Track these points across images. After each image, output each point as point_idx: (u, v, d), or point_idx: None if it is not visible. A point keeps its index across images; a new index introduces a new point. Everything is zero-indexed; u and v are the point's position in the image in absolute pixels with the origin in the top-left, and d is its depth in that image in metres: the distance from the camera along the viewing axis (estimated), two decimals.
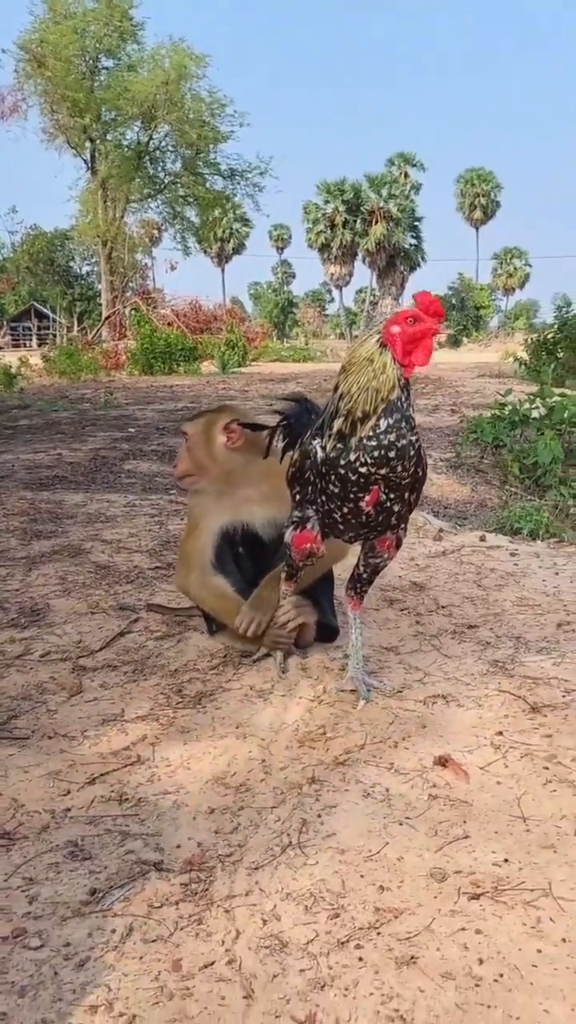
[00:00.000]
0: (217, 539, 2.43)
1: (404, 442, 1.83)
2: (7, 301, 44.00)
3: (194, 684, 2.30)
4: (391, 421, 1.82)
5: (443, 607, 2.84)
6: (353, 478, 1.85)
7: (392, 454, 1.82)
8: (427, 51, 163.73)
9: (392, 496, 1.89)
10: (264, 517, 2.41)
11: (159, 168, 27.75)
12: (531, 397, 6.56)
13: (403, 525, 2.02)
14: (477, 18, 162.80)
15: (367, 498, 1.87)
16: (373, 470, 1.83)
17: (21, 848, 1.59)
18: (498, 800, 1.69)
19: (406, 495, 1.92)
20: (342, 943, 1.31)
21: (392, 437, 1.82)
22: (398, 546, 2.08)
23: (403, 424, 1.83)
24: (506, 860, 1.50)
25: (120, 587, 3.12)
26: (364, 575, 2.13)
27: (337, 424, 1.87)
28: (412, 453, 1.84)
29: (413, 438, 1.84)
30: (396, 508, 1.92)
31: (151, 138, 26.92)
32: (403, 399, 1.83)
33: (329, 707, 2.11)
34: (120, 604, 2.93)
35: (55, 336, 32.78)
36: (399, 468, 1.84)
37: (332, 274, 51.52)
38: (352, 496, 1.88)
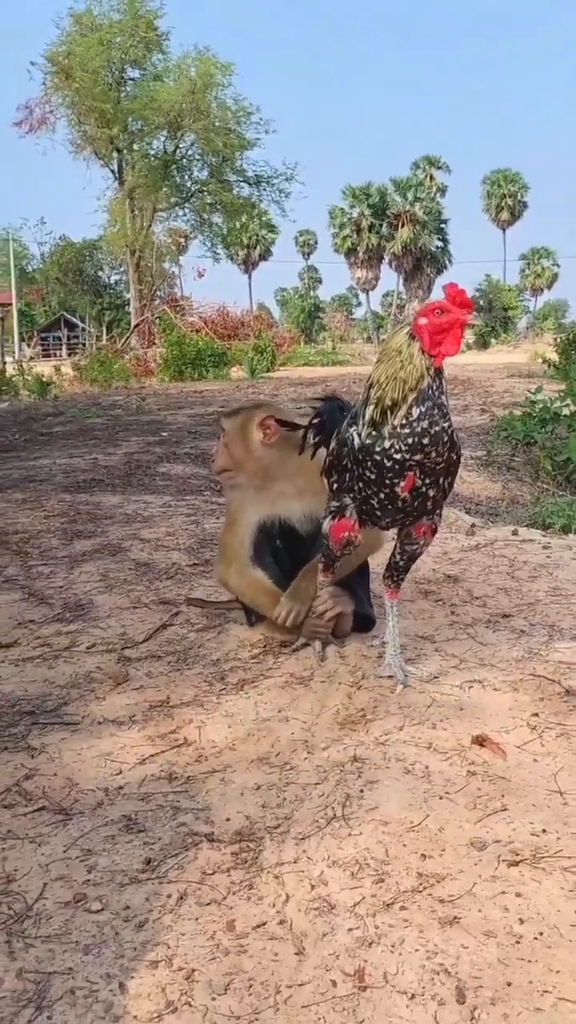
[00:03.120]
0: (255, 533, 2.51)
1: (437, 429, 1.90)
2: (37, 312, 44.55)
3: (236, 672, 2.37)
4: (423, 409, 1.89)
5: (477, 598, 2.89)
6: (388, 464, 1.92)
7: (426, 440, 1.89)
8: (451, 52, 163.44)
9: (427, 481, 1.95)
10: (301, 511, 2.48)
11: (186, 176, 28.03)
12: (561, 395, 6.58)
13: (438, 511, 2.09)
14: (500, 18, 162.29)
15: (403, 484, 1.94)
16: (408, 456, 1.90)
17: (78, 823, 1.67)
18: (535, 776, 1.75)
19: (440, 480, 1.98)
20: (387, 905, 1.38)
21: (425, 424, 1.89)
22: (433, 532, 2.14)
23: (435, 412, 1.90)
24: (544, 831, 1.56)
25: (160, 583, 3.20)
26: (400, 563, 2.20)
27: (368, 412, 1.96)
28: (446, 439, 1.91)
29: (446, 424, 1.91)
30: (431, 493, 1.99)
31: (177, 147, 27.19)
32: (434, 387, 1.90)
33: (368, 692, 2.18)
34: (161, 599, 3.02)
35: (85, 345, 33.15)
36: (433, 454, 1.91)
37: (358, 278, 51.56)
38: (388, 482, 1.94)
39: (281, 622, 2.43)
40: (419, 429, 1.89)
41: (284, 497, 2.49)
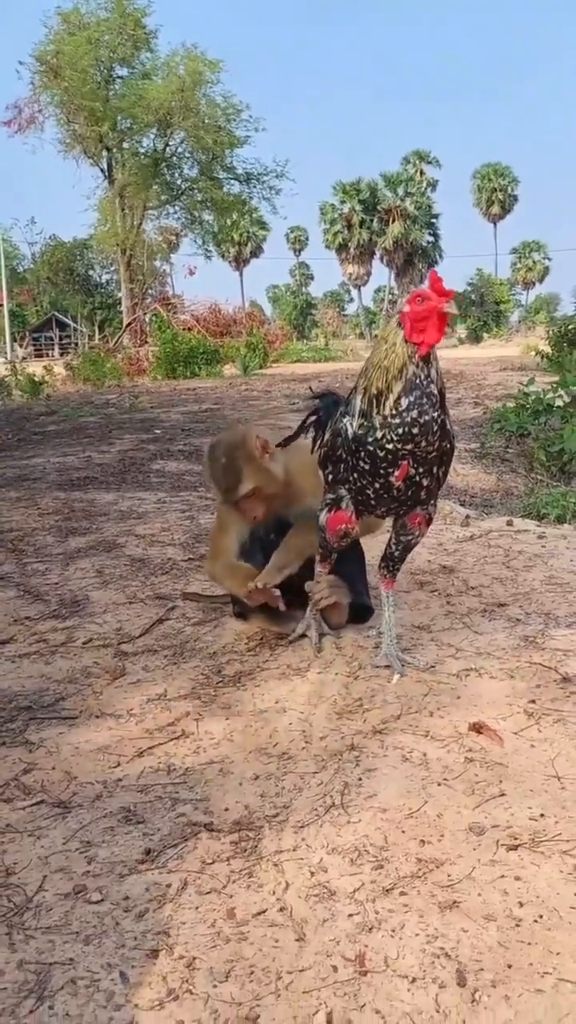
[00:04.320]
0: (245, 530, 2.50)
1: (427, 418, 1.89)
2: (29, 312, 44.39)
3: (233, 665, 2.37)
4: (412, 399, 1.89)
5: (473, 588, 2.89)
6: (381, 454, 1.92)
7: (415, 430, 1.89)
8: (441, 48, 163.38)
9: (421, 470, 1.95)
10: (299, 510, 2.45)
11: (176, 174, 27.92)
12: (554, 386, 6.58)
13: (432, 501, 2.09)
14: (490, 14, 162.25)
15: (397, 473, 1.94)
16: (399, 446, 1.90)
17: (77, 815, 1.67)
18: (532, 762, 1.75)
19: (434, 469, 1.98)
20: (387, 891, 1.38)
21: (414, 414, 1.89)
22: (428, 523, 2.14)
23: (424, 401, 1.89)
24: (542, 815, 1.56)
25: (155, 578, 3.20)
26: (396, 553, 2.20)
27: (358, 401, 1.96)
28: (435, 428, 1.91)
29: (435, 414, 1.91)
30: (425, 482, 1.99)
31: (167, 145, 27.10)
32: (422, 377, 1.90)
33: (365, 682, 2.18)
34: (156, 594, 3.02)
35: (77, 345, 33.08)
36: (423, 443, 1.91)
37: (350, 274, 51.52)
38: (382, 471, 1.94)
39: (261, 583, 2.35)
40: (408, 419, 1.88)
41: (283, 500, 2.47)
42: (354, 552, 2.53)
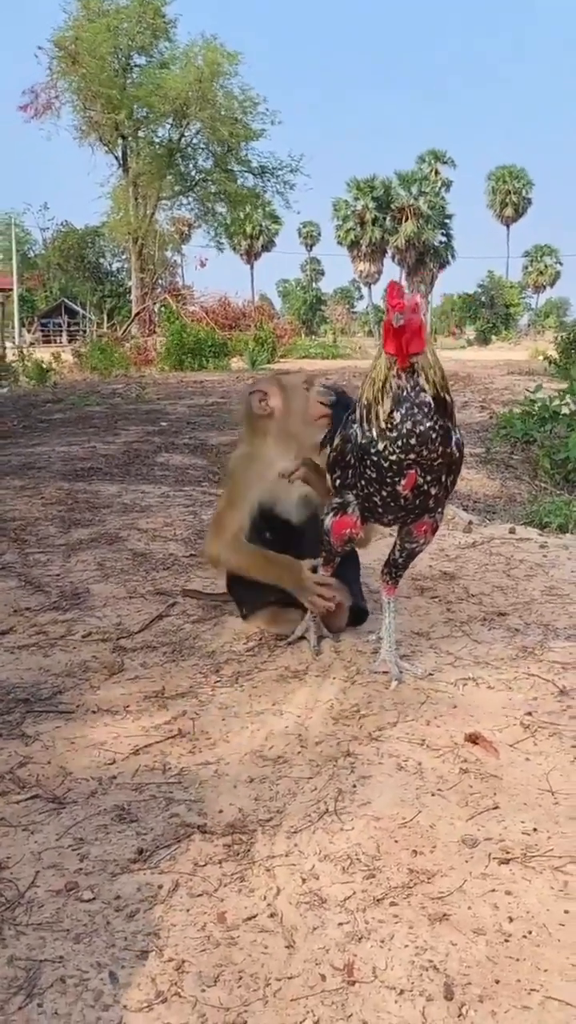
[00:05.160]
0: (254, 509, 2.49)
1: (422, 428, 1.90)
2: (38, 297, 44.38)
3: (231, 664, 2.38)
4: (403, 411, 1.90)
5: (473, 595, 2.90)
6: (386, 465, 1.92)
7: (413, 440, 1.90)
8: (459, 47, 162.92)
9: (429, 479, 1.96)
10: (297, 493, 2.46)
11: (190, 165, 27.83)
12: (561, 393, 6.58)
13: (440, 509, 2.09)
14: (508, 14, 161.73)
15: (404, 482, 1.94)
16: (403, 456, 1.91)
17: (71, 812, 1.68)
18: (527, 775, 1.75)
19: (443, 477, 1.99)
20: (378, 900, 1.38)
21: (408, 425, 1.89)
22: (434, 531, 2.14)
23: (416, 412, 1.90)
24: (535, 829, 1.57)
25: (157, 573, 3.20)
26: (400, 560, 2.20)
27: (358, 411, 1.97)
28: (435, 436, 1.91)
29: (430, 424, 1.90)
30: (433, 491, 1.99)
31: (183, 135, 27.01)
32: (408, 388, 1.90)
33: (363, 687, 2.18)
34: (157, 589, 3.02)
35: (85, 332, 33.06)
36: (425, 452, 1.91)
37: (361, 271, 51.45)
38: (389, 480, 1.95)
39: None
40: (404, 431, 1.90)
41: (284, 484, 2.47)
42: (351, 556, 2.53)
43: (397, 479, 1.94)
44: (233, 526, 2.49)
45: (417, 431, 1.89)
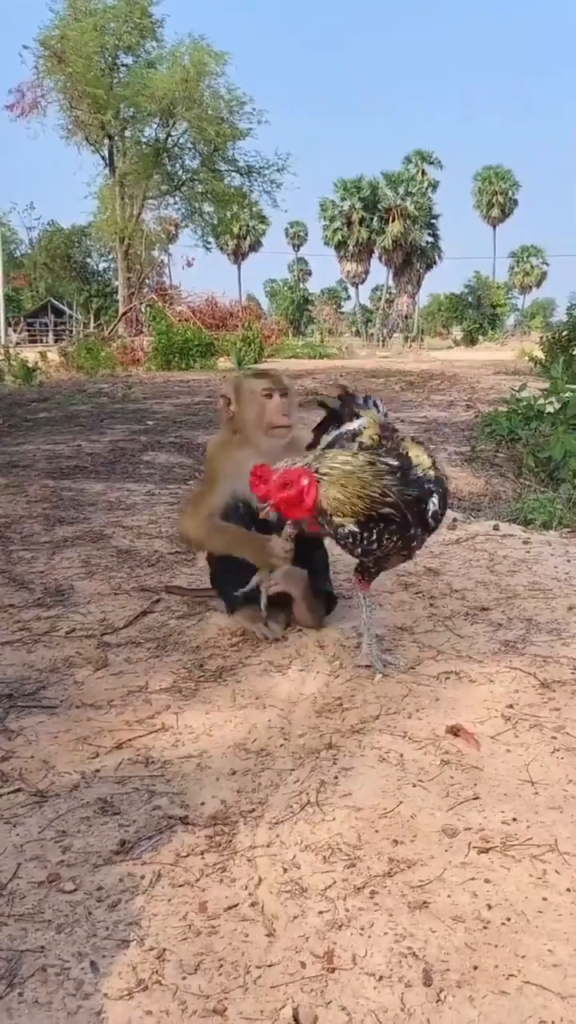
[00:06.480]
0: (229, 498, 2.50)
1: (386, 511, 2.02)
2: (24, 297, 44.24)
3: (215, 659, 2.38)
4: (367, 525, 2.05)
5: (456, 591, 2.91)
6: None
7: (394, 519, 2.03)
8: (445, 48, 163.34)
9: (418, 531, 2.08)
10: None
11: (177, 165, 27.81)
12: (545, 392, 6.61)
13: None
14: (493, 14, 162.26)
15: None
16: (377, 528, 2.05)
17: (53, 804, 1.68)
18: (508, 766, 1.77)
19: (430, 524, 2.09)
20: (358, 889, 1.39)
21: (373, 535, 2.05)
22: (409, 558, 2.22)
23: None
24: (515, 819, 1.58)
25: (141, 570, 3.21)
26: (372, 569, 2.22)
27: None
28: (404, 505, 2.02)
29: (392, 499, 2.01)
30: (414, 544, 2.13)
31: (169, 135, 26.99)
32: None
33: (345, 681, 2.19)
34: (142, 586, 3.02)
35: (72, 332, 32.96)
36: (408, 516, 2.05)
37: (348, 272, 51.52)
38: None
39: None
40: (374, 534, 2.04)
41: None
42: (319, 544, 2.54)
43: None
44: (206, 506, 2.53)
45: (388, 512, 2.01)
